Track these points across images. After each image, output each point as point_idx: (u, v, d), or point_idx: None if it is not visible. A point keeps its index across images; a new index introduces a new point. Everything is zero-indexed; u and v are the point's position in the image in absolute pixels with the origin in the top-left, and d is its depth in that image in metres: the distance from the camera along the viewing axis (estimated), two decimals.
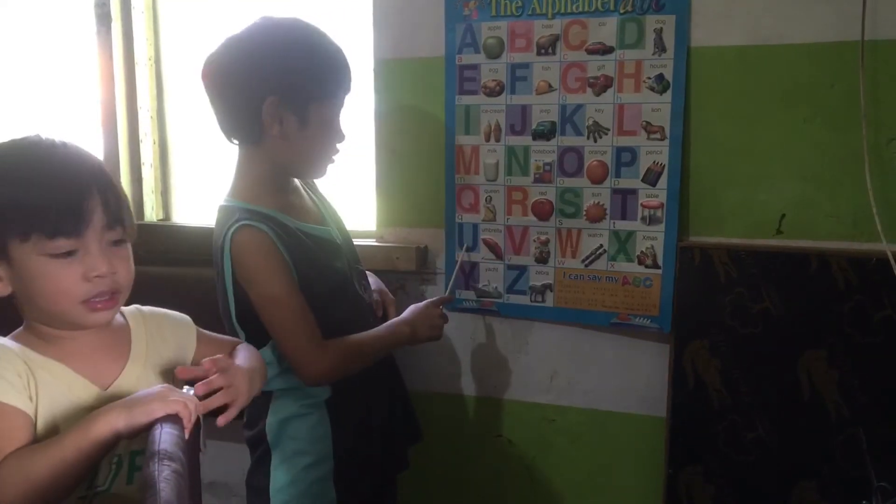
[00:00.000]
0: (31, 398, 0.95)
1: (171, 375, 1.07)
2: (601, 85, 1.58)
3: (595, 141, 1.60)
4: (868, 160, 1.43)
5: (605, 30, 1.56)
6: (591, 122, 1.60)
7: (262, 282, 1.34)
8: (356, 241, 1.59)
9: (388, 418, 1.54)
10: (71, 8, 2.08)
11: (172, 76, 2.07)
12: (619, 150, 1.59)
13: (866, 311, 1.45)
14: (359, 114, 1.76)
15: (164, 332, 1.13)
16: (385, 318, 1.57)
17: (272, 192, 1.40)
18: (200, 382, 1.03)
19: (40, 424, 0.96)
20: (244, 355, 1.19)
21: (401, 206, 1.79)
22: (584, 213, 1.64)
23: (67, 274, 0.97)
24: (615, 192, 1.61)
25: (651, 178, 1.58)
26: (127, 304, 1.09)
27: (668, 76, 1.54)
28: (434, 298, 1.61)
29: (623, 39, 1.56)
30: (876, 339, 1.45)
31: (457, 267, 1.72)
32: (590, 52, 1.58)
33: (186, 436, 0.92)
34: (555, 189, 1.65)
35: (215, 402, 1.02)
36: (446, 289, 1.71)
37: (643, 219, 1.60)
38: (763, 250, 1.52)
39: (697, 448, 1.59)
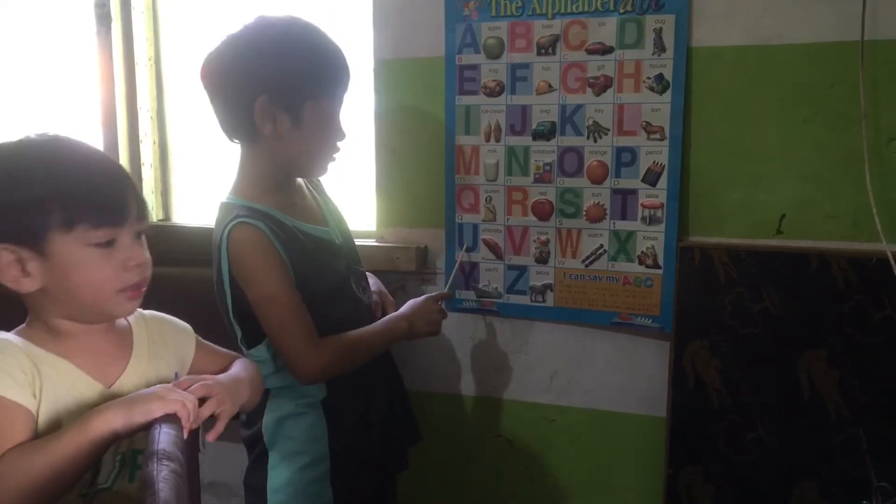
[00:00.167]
0: (34, 394, 0.95)
1: (170, 379, 1.08)
2: (601, 85, 1.58)
3: (595, 141, 1.60)
4: (868, 160, 1.43)
5: (605, 30, 1.56)
6: (591, 122, 1.60)
7: (258, 279, 1.34)
8: (356, 241, 1.59)
9: (387, 417, 1.54)
10: (71, 8, 2.08)
11: (172, 76, 2.07)
12: (619, 150, 1.59)
13: (866, 312, 1.45)
14: (359, 114, 1.76)
15: (164, 336, 1.13)
16: None
17: (272, 190, 1.40)
18: (193, 387, 1.03)
19: (43, 421, 0.96)
20: (233, 370, 1.19)
21: (401, 206, 1.79)
22: (585, 213, 1.64)
23: (108, 263, 0.99)
24: (615, 192, 1.61)
25: (651, 178, 1.58)
26: None
27: (668, 76, 1.54)
28: (433, 294, 1.60)
29: (623, 39, 1.56)
30: (876, 340, 1.45)
31: (456, 265, 1.72)
32: (590, 52, 1.58)
33: (185, 435, 0.92)
34: (555, 189, 1.65)
35: (206, 410, 1.02)
36: (446, 285, 1.71)
37: (643, 219, 1.60)
38: (763, 250, 1.52)
39: (697, 448, 1.59)
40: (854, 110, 1.44)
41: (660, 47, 1.54)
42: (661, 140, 1.56)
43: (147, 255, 1.05)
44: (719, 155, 1.55)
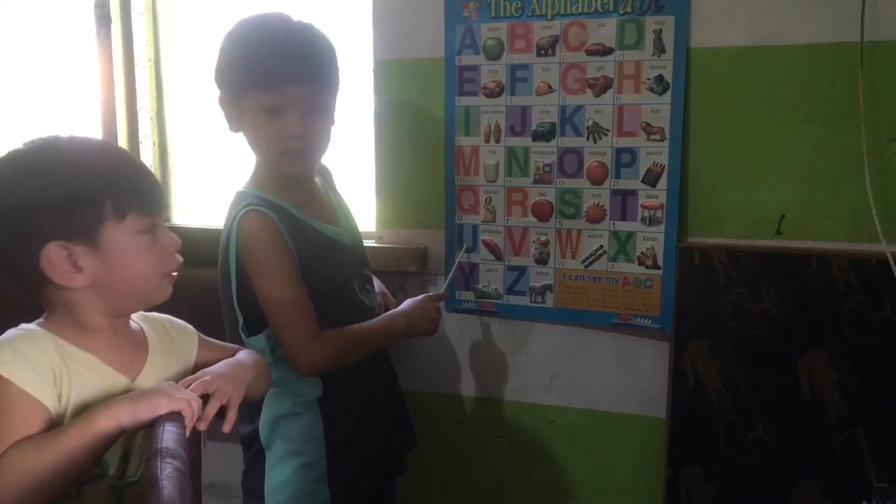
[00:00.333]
0: (59, 390, 0.95)
1: (178, 377, 1.09)
2: (601, 86, 1.59)
3: (595, 142, 1.61)
4: (867, 161, 1.43)
5: (605, 31, 1.57)
6: (590, 122, 1.60)
7: (265, 267, 1.35)
8: None
9: (384, 417, 1.54)
10: (71, 9, 2.08)
11: (172, 77, 2.07)
12: (619, 151, 1.60)
13: (866, 312, 1.45)
14: (358, 114, 1.76)
15: (170, 334, 1.14)
16: None
17: (281, 185, 1.41)
18: (192, 386, 1.04)
19: (72, 414, 0.96)
20: (235, 357, 1.19)
21: (400, 207, 1.79)
22: (584, 213, 1.64)
23: (154, 250, 1.04)
24: (615, 192, 1.61)
25: (651, 178, 1.58)
26: None
27: (668, 77, 1.54)
28: (430, 293, 1.61)
29: (622, 40, 1.56)
30: (876, 340, 1.45)
31: (455, 265, 1.72)
32: (589, 53, 1.58)
33: (188, 433, 0.92)
34: (555, 190, 1.65)
35: (211, 408, 1.02)
36: (445, 281, 1.71)
37: (643, 219, 1.60)
38: (763, 251, 1.52)
39: (697, 448, 1.59)
40: (854, 111, 1.44)
41: (659, 48, 1.54)
42: (661, 141, 1.56)
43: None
44: (719, 155, 1.55)
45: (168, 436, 0.87)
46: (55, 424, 0.94)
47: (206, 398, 1.02)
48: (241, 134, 1.40)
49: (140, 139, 2.04)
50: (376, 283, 1.63)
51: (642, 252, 1.62)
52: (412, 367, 1.81)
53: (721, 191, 1.56)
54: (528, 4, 1.60)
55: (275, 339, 1.39)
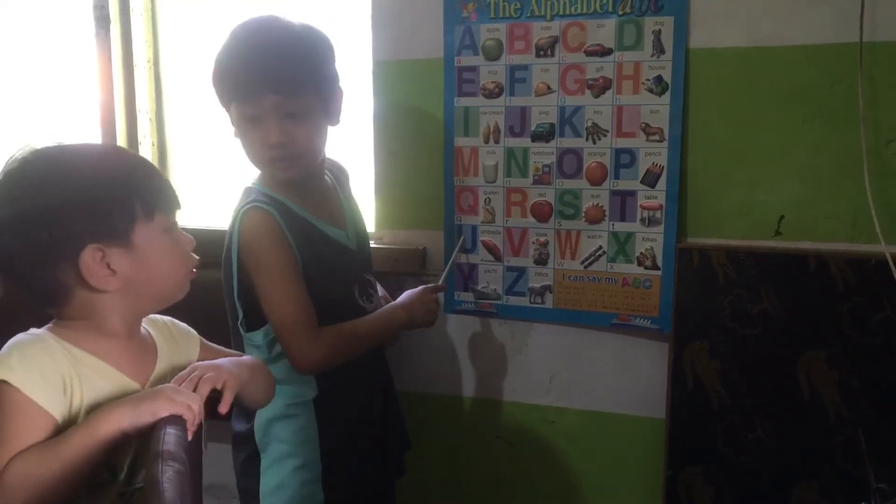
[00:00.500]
0: (68, 398, 0.95)
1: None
2: (600, 86, 1.59)
3: (594, 142, 1.61)
4: (867, 161, 1.43)
5: (604, 31, 1.57)
6: (590, 123, 1.60)
7: (265, 263, 1.35)
8: None
9: (379, 419, 1.54)
10: (70, 10, 2.08)
11: (171, 78, 2.07)
12: (618, 152, 1.60)
13: (865, 313, 1.46)
14: (358, 115, 1.76)
15: (173, 335, 1.15)
16: None
17: (286, 183, 1.41)
18: (177, 376, 1.04)
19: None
20: (230, 358, 1.19)
21: (400, 207, 1.79)
22: (584, 214, 1.64)
23: (179, 247, 1.06)
24: (614, 193, 1.61)
25: (650, 179, 1.58)
26: None
27: (667, 78, 1.54)
28: (429, 286, 1.61)
29: (622, 41, 1.56)
30: (875, 341, 1.45)
31: (454, 255, 1.71)
32: (588, 53, 1.58)
33: (189, 436, 0.92)
34: (554, 190, 1.65)
35: (204, 387, 1.03)
36: (446, 267, 1.70)
37: (642, 220, 1.60)
38: (762, 251, 1.53)
39: (697, 449, 1.59)
40: (853, 112, 1.44)
41: (659, 49, 1.54)
42: (661, 141, 1.56)
43: None
44: (718, 156, 1.55)
45: (169, 438, 0.87)
46: (62, 432, 0.94)
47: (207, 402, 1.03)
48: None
49: (139, 140, 2.04)
50: (379, 288, 1.62)
51: (641, 253, 1.62)
52: (411, 368, 1.81)
53: (720, 191, 1.56)
54: (527, 5, 1.60)
55: (273, 336, 1.39)
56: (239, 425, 1.47)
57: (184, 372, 1.06)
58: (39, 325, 1.01)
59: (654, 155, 1.57)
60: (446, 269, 1.71)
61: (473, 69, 1.66)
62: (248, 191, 1.43)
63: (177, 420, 0.92)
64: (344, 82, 1.45)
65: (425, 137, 1.73)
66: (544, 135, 1.63)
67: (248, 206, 1.36)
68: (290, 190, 1.41)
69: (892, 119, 1.44)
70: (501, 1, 1.62)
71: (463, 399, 1.84)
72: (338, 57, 1.43)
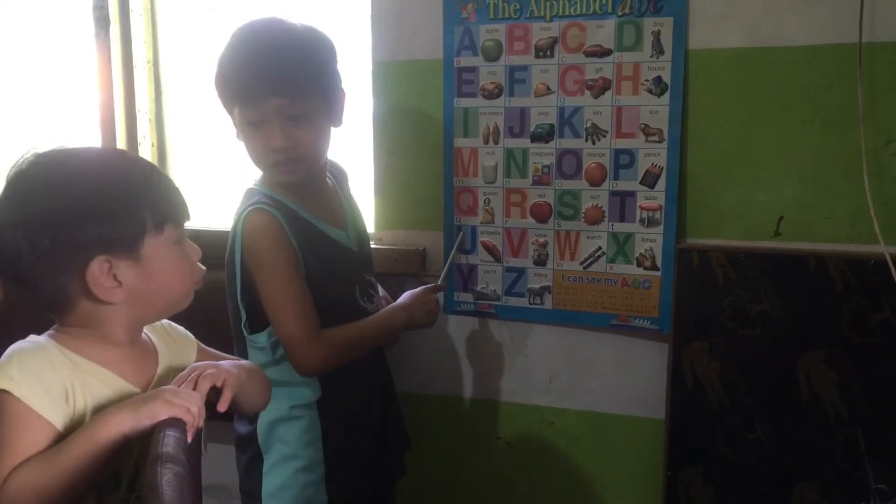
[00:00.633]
0: (70, 407, 0.94)
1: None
2: (599, 87, 1.59)
3: (593, 143, 1.61)
4: (866, 162, 1.43)
5: (603, 32, 1.57)
6: (589, 124, 1.60)
7: (267, 265, 1.35)
8: None
9: (381, 420, 1.54)
10: (69, 11, 2.08)
11: (171, 79, 2.07)
12: (618, 153, 1.60)
13: (865, 313, 1.46)
14: (357, 116, 1.76)
15: (172, 337, 1.15)
16: None
17: (289, 186, 1.41)
18: (177, 377, 1.04)
19: None
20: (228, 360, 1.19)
21: (399, 208, 1.79)
22: (583, 215, 1.64)
23: (186, 259, 1.05)
24: (614, 194, 1.62)
25: (649, 180, 1.58)
26: None
27: (667, 78, 1.54)
28: (429, 285, 1.61)
29: (621, 42, 1.56)
30: (874, 341, 1.46)
31: (452, 253, 1.71)
32: (588, 54, 1.58)
33: (189, 439, 0.92)
34: (553, 191, 1.65)
35: (204, 384, 1.02)
36: (445, 265, 1.70)
37: (642, 221, 1.60)
38: (761, 252, 1.53)
39: (697, 449, 1.59)
40: (852, 112, 1.44)
41: (658, 50, 1.54)
42: (660, 142, 1.56)
43: None
44: (718, 157, 1.55)
45: (168, 441, 0.87)
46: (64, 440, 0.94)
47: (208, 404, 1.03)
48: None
49: (139, 141, 2.05)
50: (379, 288, 1.62)
51: (641, 253, 1.62)
52: (411, 369, 1.81)
53: (720, 192, 1.56)
54: (526, 6, 1.60)
55: (276, 338, 1.39)
56: (242, 427, 1.47)
57: (184, 372, 1.05)
58: (40, 331, 1.01)
59: (654, 155, 1.57)
60: (445, 267, 1.71)
61: (473, 70, 1.66)
62: (249, 192, 1.43)
63: (176, 422, 0.92)
64: (344, 83, 1.45)
65: (425, 138, 1.73)
66: (544, 135, 1.64)
67: (250, 207, 1.36)
68: (292, 191, 1.41)
69: (891, 120, 1.44)
70: (501, 2, 1.62)
71: (463, 399, 1.84)
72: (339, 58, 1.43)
